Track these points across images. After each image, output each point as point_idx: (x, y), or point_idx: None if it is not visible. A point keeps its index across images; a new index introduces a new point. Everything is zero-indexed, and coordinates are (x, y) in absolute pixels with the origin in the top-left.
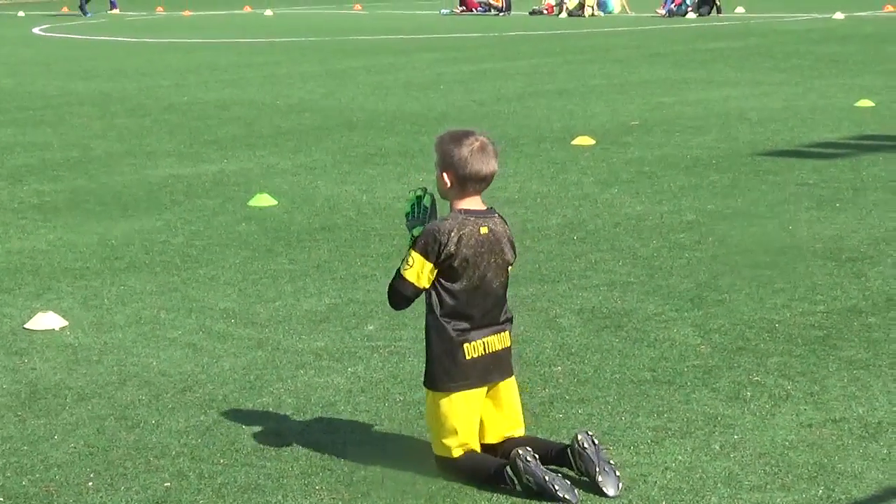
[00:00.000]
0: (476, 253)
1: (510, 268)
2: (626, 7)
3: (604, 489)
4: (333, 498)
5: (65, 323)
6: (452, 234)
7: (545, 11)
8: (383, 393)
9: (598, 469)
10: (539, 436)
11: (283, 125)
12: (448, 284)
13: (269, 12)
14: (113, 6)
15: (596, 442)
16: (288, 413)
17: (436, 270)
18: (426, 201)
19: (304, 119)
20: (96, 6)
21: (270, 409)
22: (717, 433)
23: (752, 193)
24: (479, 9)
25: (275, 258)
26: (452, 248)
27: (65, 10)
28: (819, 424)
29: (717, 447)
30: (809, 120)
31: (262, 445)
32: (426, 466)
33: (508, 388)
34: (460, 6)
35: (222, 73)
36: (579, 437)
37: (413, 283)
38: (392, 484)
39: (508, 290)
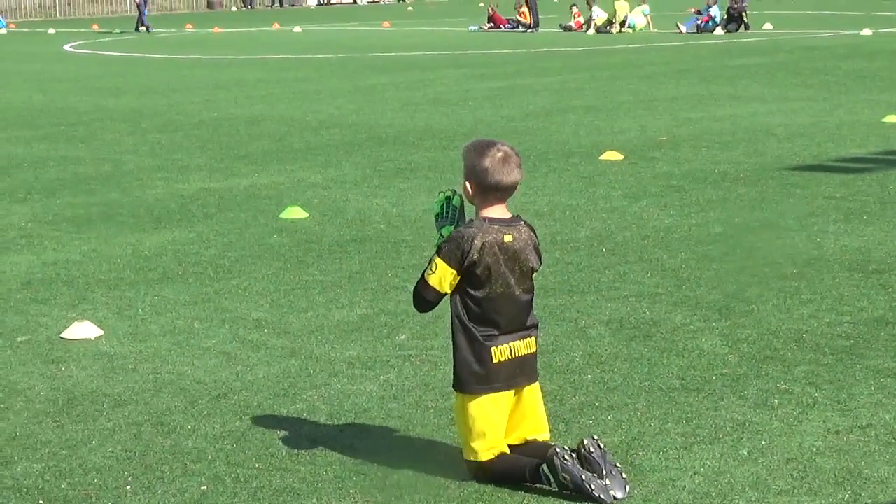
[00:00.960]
0: (499, 261)
1: (535, 274)
2: (651, 24)
3: (612, 492)
4: (367, 501)
5: (100, 332)
6: (475, 241)
7: (574, 27)
8: (415, 400)
9: (605, 472)
10: (569, 442)
11: (313, 140)
12: (473, 291)
13: (297, 29)
14: (142, 24)
15: (602, 446)
16: (321, 419)
17: (458, 277)
18: (455, 201)
19: (334, 134)
20: (125, 24)
21: (304, 416)
22: (745, 439)
23: (780, 206)
24: (507, 25)
25: (306, 269)
26: (475, 256)
27: (95, 27)
28: (846, 431)
29: (745, 453)
30: (836, 135)
31: (296, 450)
32: (458, 471)
33: (533, 392)
34: (488, 23)
35: (252, 90)
36: (585, 441)
37: (435, 288)
38: (425, 487)
39: (538, 299)
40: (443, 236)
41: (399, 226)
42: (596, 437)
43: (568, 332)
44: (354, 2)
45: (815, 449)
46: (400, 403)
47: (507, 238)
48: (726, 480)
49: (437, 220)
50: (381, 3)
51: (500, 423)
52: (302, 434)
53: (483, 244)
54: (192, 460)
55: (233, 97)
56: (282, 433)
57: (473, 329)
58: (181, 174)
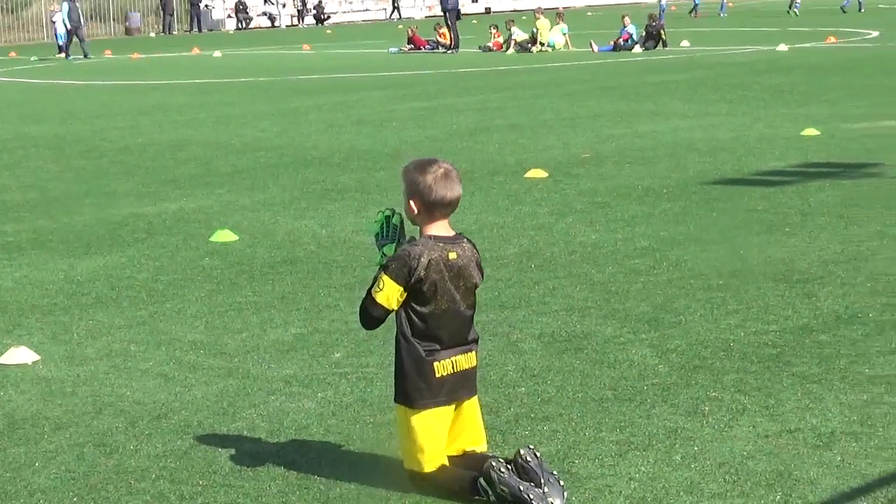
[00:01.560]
0: (444, 277)
1: (477, 289)
2: (569, 43)
3: (550, 499)
4: None
5: (37, 357)
6: (422, 258)
7: (493, 47)
8: (353, 416)
9: (543, 480)
10: (505, 453)
11: (239, 164)
12: (418, 307)
13: (217, 53)
14: (61, 50)
15: (538, 455)
16: (262, 436)
17: (405, 294)
18: (395, 220)
19: (260, 157)
20: (42, 52)
21: (245, 434)
22: (677, 445)
23: (704, 220)
24: (427, 46)
25: (239, 291)
26: (422, 273)
27: (12, 54)
28: (775, 435)
29: (679, 458)
30: (757, 149)
31: (238, 467)
32: (399, 483)
33: (473, 405)
34: (408, 44)
35: (175, 114)
36: (522, 451)
37: (382, 305)
38: (367, 500)
39: None
40: (385, 255)
41: (329, 246)
42: (532, 447)
43: (501, 347)
44: (273, 25)
45: (745, 453)
46: (338, 419)
47: (452, 255)
48: (661, 485)
49: (377, 240)
50: (300, 26)
51: (442, 435)
52: (243, 451)
53: (429, 261)
54: (136, 479)
55: (156, 122)
56: (223, 451)
57: (417, 344)
58: (109, 200)
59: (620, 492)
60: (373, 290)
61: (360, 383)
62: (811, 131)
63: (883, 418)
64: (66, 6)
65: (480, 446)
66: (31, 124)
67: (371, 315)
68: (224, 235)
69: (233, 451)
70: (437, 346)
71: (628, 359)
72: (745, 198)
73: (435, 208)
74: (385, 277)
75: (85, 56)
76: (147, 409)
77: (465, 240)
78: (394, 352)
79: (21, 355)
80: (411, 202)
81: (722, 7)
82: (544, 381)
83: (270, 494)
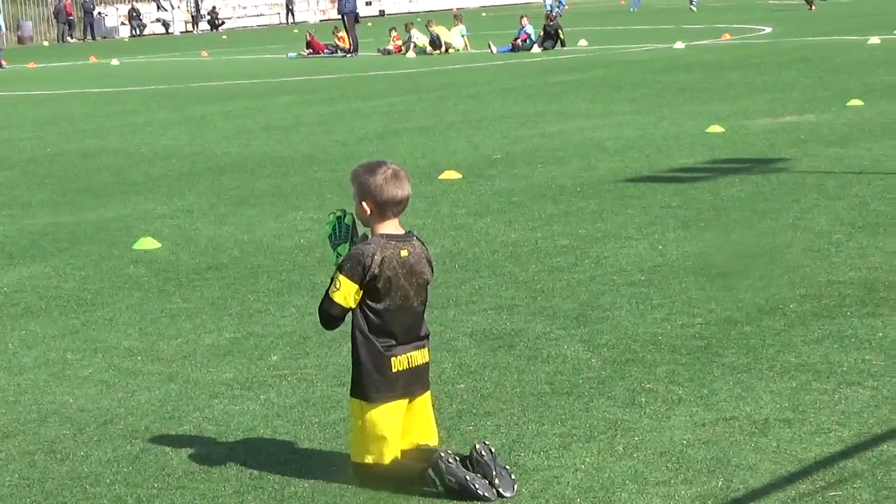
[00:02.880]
0: (398, 274)
1: (429, 286)
2: (468, 44)
3: (500, 490)
4: None
5: None
6: (376, 256)
7: (393, 50)
8: (298, 416)
9: (494, 473)
10: (452, 447)
11: (152, 172)
12: (373, 304)
13: (115, 62)
14: None
15: (492, 450)
16: (211, 439)
17: (361, 291)
18: (347, 220)
19: (173, 165)
20: None
21: (193, 436)
22: (619, 436)
23: (620, 217)
24: (326, 51)
25: (168, 298)
26: (376, 270)
27: None
28: (712, 423)
29: (621, 448)
30: (664, 147)
31: (191, 469)
32: (351, 480)
33: (425, 400)
34: (307, 49)
35: (80, 124)
36: (477, 446)
37: (340, 304)
38: (322, 497)
39: None
40: (340, 255)
41: (252, 252)
42: (487, 443)
43: (434, 345)
44: (167, 32)
45: (685, 442)
46: (284, 420)
47: (404, 252)
48: (606, 475)
49: (331, 241)
50: (195, 32)
51: (398, 429)
52: (194, 454)
53: (383, 259)
54: (90, 484)
55: (62, 132)
56: (174, 454)
57: (374, 340)
58: (25, 210)
59: (568, 482)
60: (330, 291)
61: (300, 385)
62: (716, 128)
63: (813, 404)
64: None
65: (432, 440)
66: None
67: (331, 315)
68: (147, 243)
69: (184, 454)
70: (393, 342)
71: (561, 354)
72: (658, 194)
73: (387, 208)
74: (341, 277)
75: None
76: (92, 415)
77: (415, 237)
78: (350, 350)
79: None
80: (364, 203)
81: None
82: (482, 377)
83: (226, 495)
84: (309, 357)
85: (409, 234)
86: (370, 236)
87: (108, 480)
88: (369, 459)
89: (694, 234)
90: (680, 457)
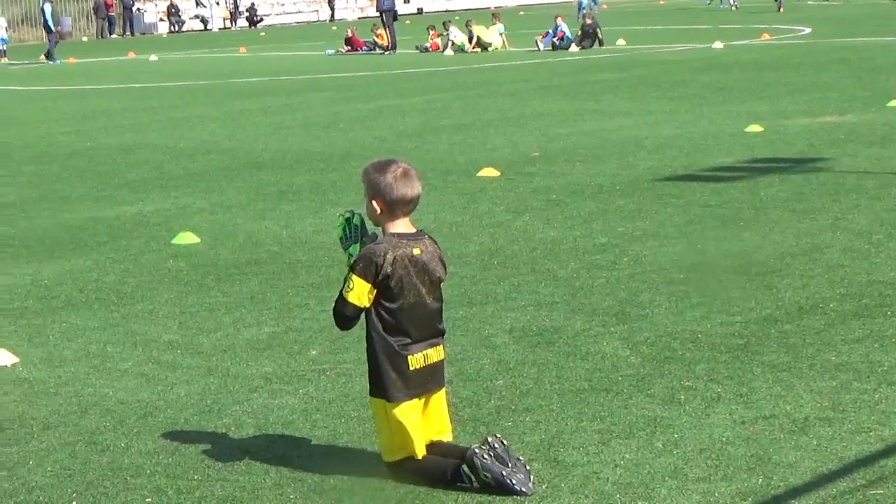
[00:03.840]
0: (410, 273)
1: (442, 283)
2: (506, 43)
3: (517, 485)
4: None
5: (16, 359)
6: (387, 255)
7: (430, 48)
8: (337, 411)
9: (510, 465)
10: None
11: (191, 167)
12: (387, 304)
13: (154, 57)
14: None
15: (505, 442)
16: (250, 432)
17: (375, 291)
18: (356, 220)
19: (212, 160)
20: None
21: (232, 430)
22: (658, 433)
23: (659, 216)
24: (364, 48)
25: (208, 292)
26: (388, 269)
27: None
28: (751, 421)
29: (660, 445)
30: (703, 146)
31: (231, 461)
32: (392, 474)
33: (439, 396)
34: (346, 46)
35: (120, 119)
36: (489, 439)
37: (354, 304)
38: (362, 490)
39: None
40: (351, 255)
41: (291, 247)
42: (499, 436)
43: (474, 342)
44: (206, 28)
45: (724, 439)
46: (323, 414)
47: (416, 251)
48: (646, 471)
49: (342, 242)
50: (233, 28)
51: (420, 425)
52: (234, 446)
53: (395, 258)
54: (131, 475)
55: (102, 127)
56: (214, 446)
57: (390, 339)
58: (65, 204)
59: (607, 478)
60: (344, 291)
61: (339, 379)
62: (755, 128)
63: (853, 403)
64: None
65: (446, 434)
66: None
67: (345, 315)
68: (186, 238)
69: (223, 447)
70: (408, 340)
71: (600, 351)
72: (697, 193)
73: (397, 206)
74: (354, 277)
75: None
76: (132, 408)
77: (427, 236)
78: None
79: (0, 358)
80: (374, 202)
81: None
82: (521, 374)
83: (265, 488)
84: (348, 352)
85: (420, 232)
86: (380, 235)
87: (148, 472)
88: (400, 456)
89: (733, 233)
90: (720, 454)
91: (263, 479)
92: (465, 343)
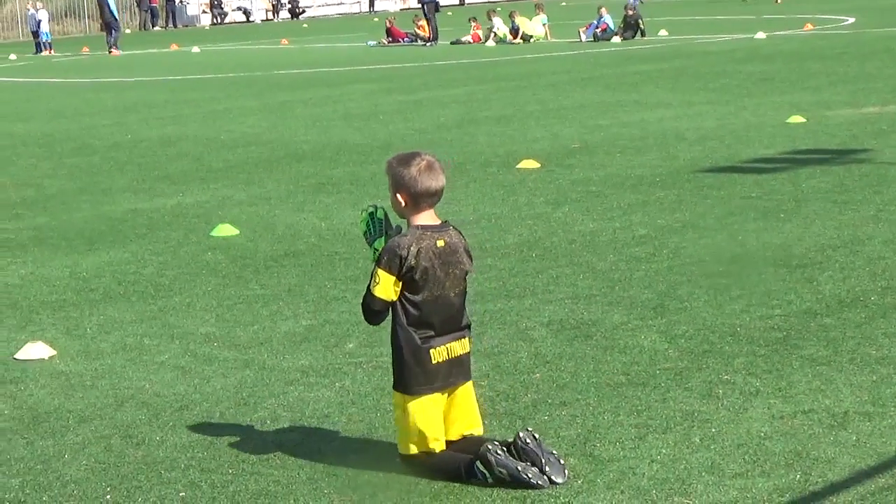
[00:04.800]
0: (434, 265)
1: (468, 276)
2: (549, 34)
3: (552, 477)
4: (342, 500)
5: (53, 352)
6: (412, 248)
7: (471, 40)
8: (373, 404)
9: (543, 460)
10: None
11: (231, 159)
12: (411, 296)
13: (196, 49)
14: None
15: (537, 437)
16: (285, 426)
17: (400, 283)
18: (379, 214)
19: (252, 152)
20: (20, 50)
21: (267, 423)
22: (695, 427)
23: (699, 208)
24: (405, 39)
25: (246, 284)
26: (413, 262)
27: None
28: (790, 416)
29: (698, 440)
30: (745, 137)
31: (266, 455)
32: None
33: (467, 390)
34: (387, 37)
35: (161, 111)
36: (521, 434)
37: (382, 298)
38: (397, 485)
39: (477, 304)
40: (377, 250)
41: (330, 239)
42: (531, 429)
43: (511, 335)
44: (248, 20)
45: (762, 434)
46: (359, 408)
47: (440, 243)
48: (682, 466)
49: (366, 237)
50: (275, 20)
51: (440, 420)
52: (269, 440)
53: (419, 250)
54: (165, 469)
55: (143, 119)
56: (249, 440)
57: (412, 332)
58: (105, 196)
59: (644, 473)
60: (371, 286)
61: (376, 372)
62: (797, 118)
63: (894, 398)
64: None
65: (476, 429)
66: (17, 122)
67: (373, 310)
68: (225, 230)
69: (258, 441)
70: (432, 333)
71: (638, 345)
72: (738, 185)
73: (421, 199)
74: (379, 271)
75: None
76: (168, 401)
77: (452, 228)
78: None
79: (38, 350)
80: (398, 195)
81: None
82: (558, 367)
83: (300, 482)
84: (384, 345)
85: (445, 224)
86: (405, 228)
87: (182, 465)
88: (413, 451)
89: (774, 224)
90: (757, 449)
91: (298, 473)
92: (502, 336)
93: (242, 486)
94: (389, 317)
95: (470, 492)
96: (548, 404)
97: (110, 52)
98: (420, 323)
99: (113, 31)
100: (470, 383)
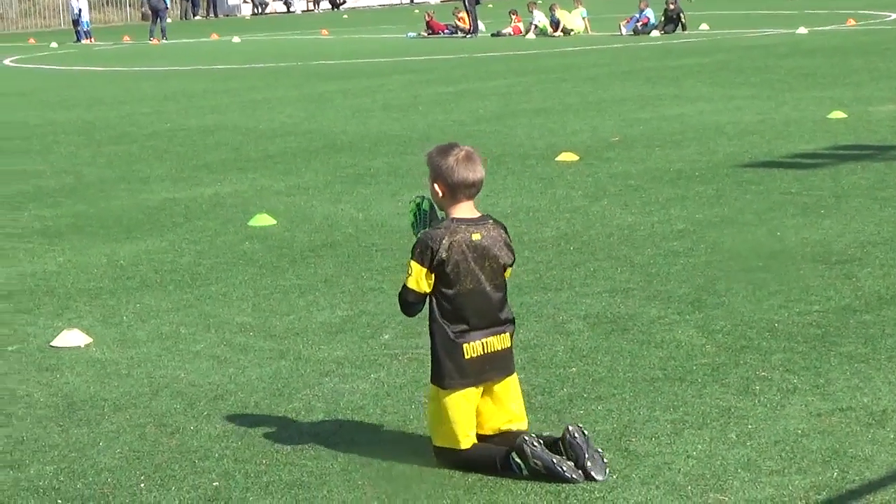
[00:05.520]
0: (467, 259)
1: (509, 269)
2: (588, 27)
3: (592, 473)
4: (376, 492)
5: (89, 340)
6: (444, 241)
7: (511, 33)
8: (408, 396)
9: (587, 456)
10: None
11: (270, 148)
12: (444, 289)
13: (236, 39)
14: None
15: (585, 433)
16: (320, 417)
17: (432, 276)
18: (425, 206)
19: (290, 142)
20: (60, 38)
21: (302, 414)
22: (731, 424)
23: (738, 202)
24: (445, 31)
25: (282, 274)
26: (444, 255)
27: (31, 41)
28: (828, 413)
29: (734, 436)
30: (785, 132)
31: (300, 446)
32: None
33: (507, 385)
34: (427, 29)
35: (200, 100)
36: (570, 428)
37: (414, 290)
38: (430, 477)
39: (514, 297)
40: None
41: (367, 230)
42: (580, 425)
43: (547, 328)
44: (288, 10)
45: (800, 431)
46: (394, 400)
47: (476, 236)
48: (718, 463)
49: (413, 228)
50: (316, 11)
51: (472, 414)
52: (303, 431)
53: (451, 243)
54: (199, 458)
55: (182, 108)
56: (283, 430)
57: (446, 326)
58: (143, 185)
59: (679, 469)
60: (405, 278)
61: (411, 364)
62: (838, 114)
63: None
64: None
65: (520, 424)
66: (58, 111)
67: (407, 301)
68: (262, 219)
69: (292, 431)
70: (466, 328)
71: (675, 339)
72: (778, 180)
73: (458, 190)
74: (412, 263)
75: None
76: (203, 390)
77: (491, 220)
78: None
79: (74, 338)
80: (436, 185)
81: None
82: (594, 361)
83: (334, 473)
84: (421, 337)
85: (483, 216)
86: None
87: (216, 455)
88: (445, 444)
89: (813, 220)
90: (794, 446)
91: (332, 464)
92: (538, 329)
93: (276, 477)
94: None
95: (504, 485)
96: (583, 398)
97: (155, 39)
98: (454, 317)
99: (160, 18)
100: (510, 378)
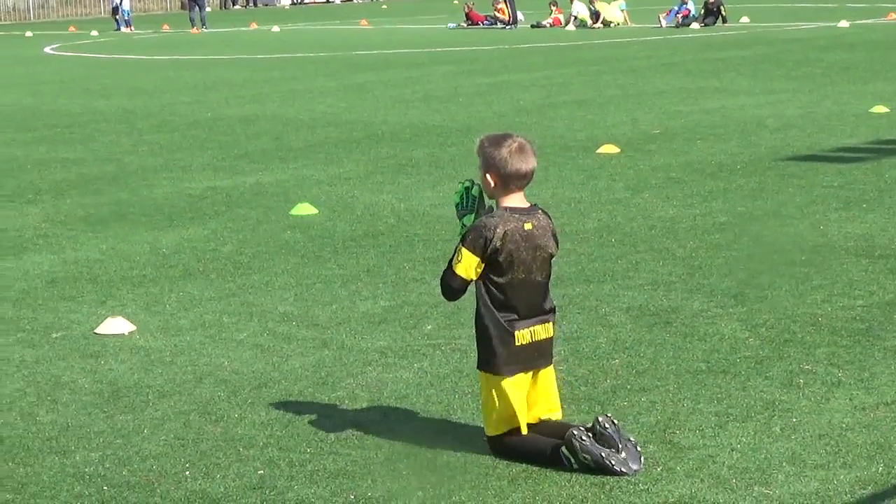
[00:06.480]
0: (520, 248)
1: (553, 259)
2: (628, 19)
3: (629, 462)
4: (420, 481)
5: (133, 328)
6: (498, 230)
7: (551, 24)
8: (451, 386)
9: (620, 446)
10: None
11: (310, 138)
12: (496, 278)
13: (276, 28)
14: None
15: (616, 422)
16: (363, 406)
17: (483, 265)
18: (474, 192)
19: (331, 132)
20: (101, 26)
21: (346, 403)
22: (776, 417)
23: (780, 196)
24: (485, 22)
25: (324, 264)
26: (498, 244)
27: (72, 29)
28: (872, 407)
29: (778, 429)
30: (827, 126)
31: (344, 435)
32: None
33: (548, 374)
34: (466, 20)
35: (240, 90)
36: (600, 419)
37: (461, 276)
38: (474, 467)
39: (556, 289)
40: (465, 225)
41: (409, 220)
42: (610, 415)
43: (590, 320)
44: (328, 0)
45: (844, 425)
46: (437, 390)
47: (528, 226)
48: (763, 456)
49: (457, 210)
50: (356, 1)
51: (524, 402)
52: (346, 420)
53: (505, 232)
54: (244, 446)
55: (223, 97)
56: (327, 419)
57: (497, 314)
58: (185, 173)
59: (724, 462)
60: (452, 262)
61: (454, 354)
62: (880, 108)
63: None
64: None
65: (556, 413)
66: (99, 99)
67: (451, 286)
68: (304, 209)
69: (336, 420)
70: (515, 316)
71: (718, 332)
72: (820, 174)
73: (511, 181)
74: (463, 249)
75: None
76: (247, 378)
77: (541, 211)
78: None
79: (118, 325)
80: (488, 175)
81: None
82: (637, 353)
83: (377, 462)
84: (463, 327)
85: (533, 207)
86: (495, 209)
87: (261, 443)
88: (504, 430)
89: (856, 214)
90: (839, 440)
91: (376, 453)
92: (581, 321)
93: (320, 465)
94: (473, 297)
95: (549, 476)
96: (627, 390)
97: (195, 28)
98: (504, 306)
99: (200, 7)
100: (551, 367)
